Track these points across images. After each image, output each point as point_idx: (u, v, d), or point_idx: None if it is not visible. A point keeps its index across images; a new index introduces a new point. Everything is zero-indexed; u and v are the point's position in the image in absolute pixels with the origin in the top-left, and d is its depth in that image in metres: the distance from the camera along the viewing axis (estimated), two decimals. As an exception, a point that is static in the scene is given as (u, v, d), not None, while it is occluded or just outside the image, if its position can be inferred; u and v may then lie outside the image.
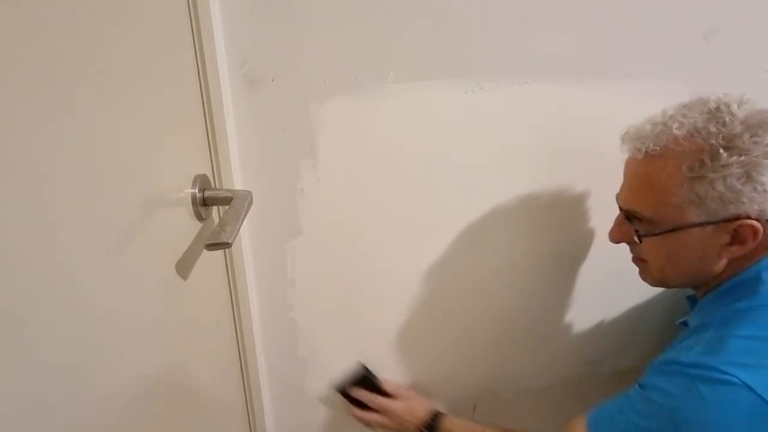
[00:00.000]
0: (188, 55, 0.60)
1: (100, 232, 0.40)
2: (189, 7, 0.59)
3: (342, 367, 0.88)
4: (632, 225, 0.69)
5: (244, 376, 0.80)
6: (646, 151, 0.64)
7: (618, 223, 0.72)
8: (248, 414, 0.83)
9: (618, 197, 0.71)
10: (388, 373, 0.91)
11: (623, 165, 0.70)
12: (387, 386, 0.88)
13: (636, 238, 0.68)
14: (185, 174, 0.57)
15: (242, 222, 0.54)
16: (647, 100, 0.77)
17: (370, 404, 0.87)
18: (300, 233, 0.78)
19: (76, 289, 0.37)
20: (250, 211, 0.59)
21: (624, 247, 0.83)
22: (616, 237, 0.72)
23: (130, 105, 0.45)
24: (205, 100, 0.63)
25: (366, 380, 0.88)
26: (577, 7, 0.71)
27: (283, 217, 0.77)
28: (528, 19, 0.71)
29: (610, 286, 0.90)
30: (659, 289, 0.91)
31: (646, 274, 0.73)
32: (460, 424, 0.85)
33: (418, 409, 0.86)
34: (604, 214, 0.84)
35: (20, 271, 0.31)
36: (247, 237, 0.75)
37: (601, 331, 0.93)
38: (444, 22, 0.69)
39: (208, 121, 0.64)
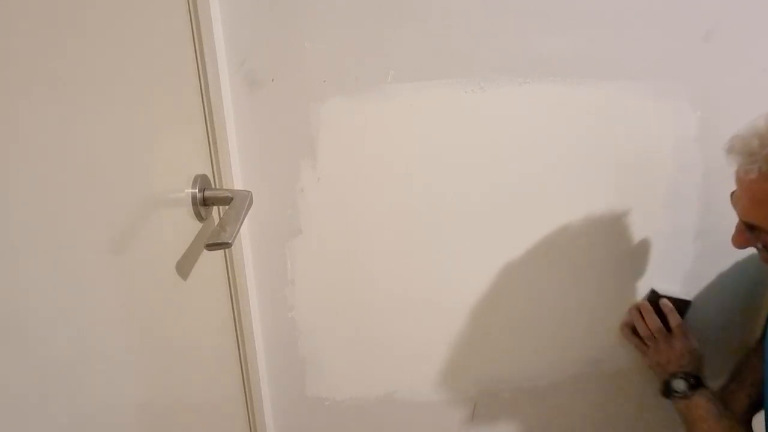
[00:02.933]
0: (188, 55, 0.60)
1: (101, 232, 0.40)
2: (189, 7, 0.59)
3: (342, 368, 0.89)
4: (756, 236, 0.67)
5: (244, 376, 0.80)
6: (759, 171, 0.61)
7: (740, 231, 0.70)
8: (248, 414, 0.83)
9: (735, 205, 0.69)
10: (387, 373, 0.91)
11: (734, 175, 0.67)
12: (681, 325, 0.86)
13: (765, 250, 0.67)
14: (185, 174, 0.57)
15: (242, 222, 0.54)
16: (647, 100, 0.77)
17: (669, 323, 0.85)
18: (300, 233, 0.78)
19: (76, 289, 0.37)
20: (250, 211, 0.59)
21: (619, 248, 0.84)
22: (741, 244, 0.70)
23: (130, 105, 0.45)
24: (205, 100, 0.63)
25: (680, 305, 0.86)
26: (578, 7, 0.71)
27: (283, 217, 0.77)
28: (528, 19, 0.71)
29: (610, 286, 0.90)
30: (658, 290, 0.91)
31: None
32: (711, 408, 0.79)
33: (690, 359, 0.84)
34: (603, 214, 0.84)
35: (20, 271, 0.31)
36: (247, 237, 0.75)
37: (601, 331, 0.93)
38: (444, 22, 0.69)
39: (208, 121, 0.64)
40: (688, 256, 0.78)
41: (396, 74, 0.71)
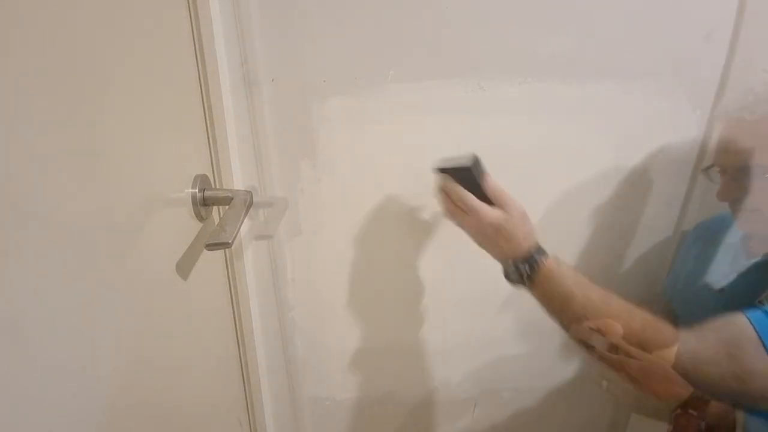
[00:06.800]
0: (188, 55, 0.60)
1: (101, 232, 0.40)
2: (189, 7, 0.59)
3: (342, 368, 0.89)
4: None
5: (244, 376, 0.80)
6: None
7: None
8: (248, 414, 0.83)
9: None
10: (387, 373, 0.91)
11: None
12: (492, 191, 0.65)
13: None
14: (185, 174, 0.57)
15: (242, 222, 0.54)
16: (647, 100, 0.77)
17: (459, 200, 0.65)
18: (300, 233, 0.78)
19: (77, 289, 0.37)
20: (250, 211, 0.59)
21: (620, 247, 0.83)
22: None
23: (131, 105, 0.45)
24: (205, 100, 0.63)
25: (469, 175, 0.64)
26: (577, 7, 0.71)
27: (283, 217, 0.77)
28: (528, 18, 0.71)
29: (610, 286, 0.90)
30: (656, 289, 0.91)
31: None
32: (568, 273, 0.65)
33: (519, 230, 0.64)
34: (603, 214, 0.84)
35: (20, 271, 0.31)
36: (247, 237, 0.75)
37: (601, 331, 0.93)
38: (444, 22, 0.69)
39: (208, 121, 0.64)
40: (688, 255, 0.77)
41: (396, 74, 0.71)
